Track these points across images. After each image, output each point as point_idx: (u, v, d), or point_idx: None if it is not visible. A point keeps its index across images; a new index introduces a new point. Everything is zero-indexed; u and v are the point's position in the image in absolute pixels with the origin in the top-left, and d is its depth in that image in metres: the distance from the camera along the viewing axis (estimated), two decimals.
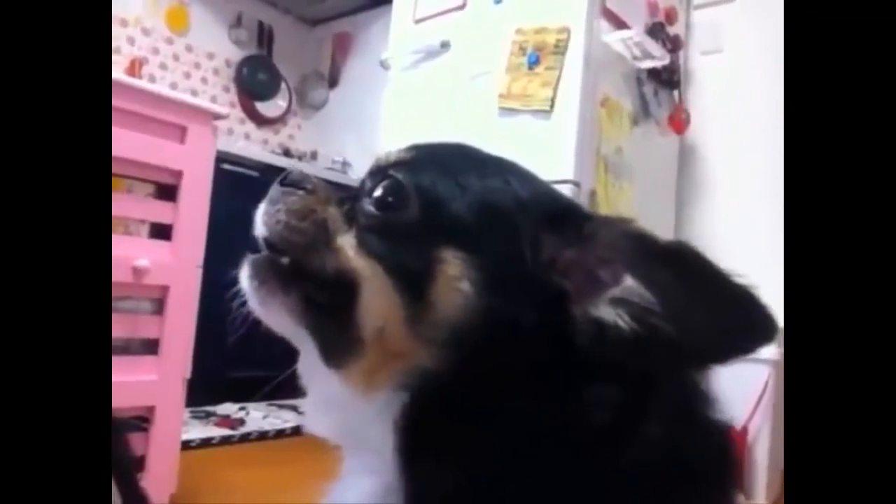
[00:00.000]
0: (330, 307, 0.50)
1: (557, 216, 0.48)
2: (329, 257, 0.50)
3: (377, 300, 0.47)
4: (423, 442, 0.44)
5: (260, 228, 0.54)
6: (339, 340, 0.49)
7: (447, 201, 0.49)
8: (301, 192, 0.55)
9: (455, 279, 0.45)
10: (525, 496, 0.42)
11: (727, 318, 0.41)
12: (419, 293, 0.46)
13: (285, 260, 0.53)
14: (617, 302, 0.42)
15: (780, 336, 0.41)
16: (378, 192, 0.51)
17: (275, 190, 0.55)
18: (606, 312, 0.42)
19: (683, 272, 0.41)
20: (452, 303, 0.45)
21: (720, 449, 0.47)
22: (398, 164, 0.52)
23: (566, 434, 0.42)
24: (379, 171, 0.53)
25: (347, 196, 0.55)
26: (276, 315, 0.52)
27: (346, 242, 0.51)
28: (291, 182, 0.55)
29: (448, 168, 0.51)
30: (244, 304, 0.54)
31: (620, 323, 0.41)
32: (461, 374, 0.44)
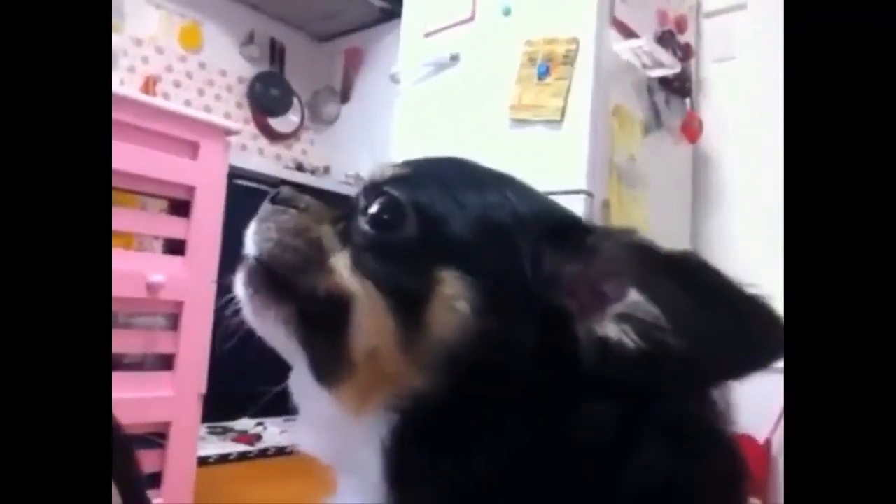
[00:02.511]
0: (323, 324, 0.48)
1: (558, 230, 0.47)
2: (322, 278, 0.49)
3: (370, 321, 0.46)
4: (411, 465, 0.43)
5: (250, 247, 0.53)
6: (330, 359, 0.48)
7: (445, 219, 0.47)
8: (293, 211, 0.53)
9: (452, 300, 0.44)
10: None
11: (739, 332, 0.39)
12: (414, 315, 0.45)
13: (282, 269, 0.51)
14: (622, 318, 0.41)
15: None
16: (373, 210, 0.49)
17: (265, 208, 0.54)
18: (611, 329, 0.41)
19: (690, 284, 0.40)
20: (449, 324, 0.44)
21: (725, 472, 0.45)
22: (394, 180, 0.51)
23: (564, 459, 0.41)
24: (374, 188, 0.51)
25: (342, 214, 0.53)
26: (269, 326, 0.51)
27: (341, 262, 0.49)
28: (282, 200, 0.54)
29: (445, 184, 0.50)
30: (237, 312, 0.53)
31: (626, 340, 0.40)
32: (455, 396, 0.43)
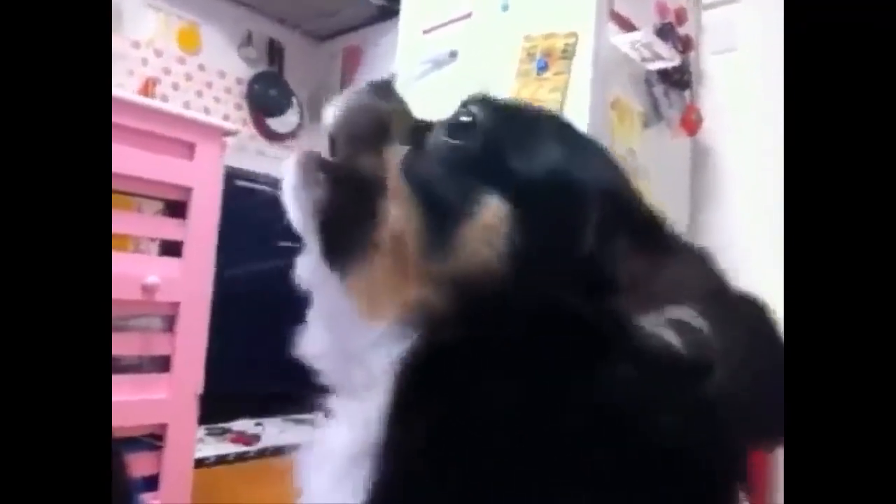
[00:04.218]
0: (352, 207, 0.48)
1: (638, 218, 0.45)
2: (367, 157, 0.50)
3: (398, 212, 0.46)
4: (419, 393, 0.41)
5: (329, 113, 0.54)
6: (350, 240, 0.47)
7: (515, 151, 0.46)
8: (381, 96, 0.55)
9: (489, 229, 0.42)
10: (519, 485, 0.39)
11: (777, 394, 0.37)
12: (446, 226, 0.43)
13: (334, 158, 0.53)
14: (672, 322, 0.39)
15: None
16: (448, 121, 0.50)
17: (360, 86, 0.56)
18: (654, 323, 0.39)
19: (752, 332, 0.38)
20: (477, 253, 0.42)
21: (730, 447, 0.42)
22: (485, 101, 0.51)
23: (584, 417, 0.39)
24: (463, 105, 0.51)
25: (426, 123, 0.54)
26: (302, 202, 0.51)
27: (395, 153, 0.50)
28: (376, 86, 0.56)
29: (533, 122, 0.49)
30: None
31: (672, 340, 0.38)
32: (472, 331, 0.41)
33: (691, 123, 2.22)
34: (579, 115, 1.82)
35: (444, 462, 0.40)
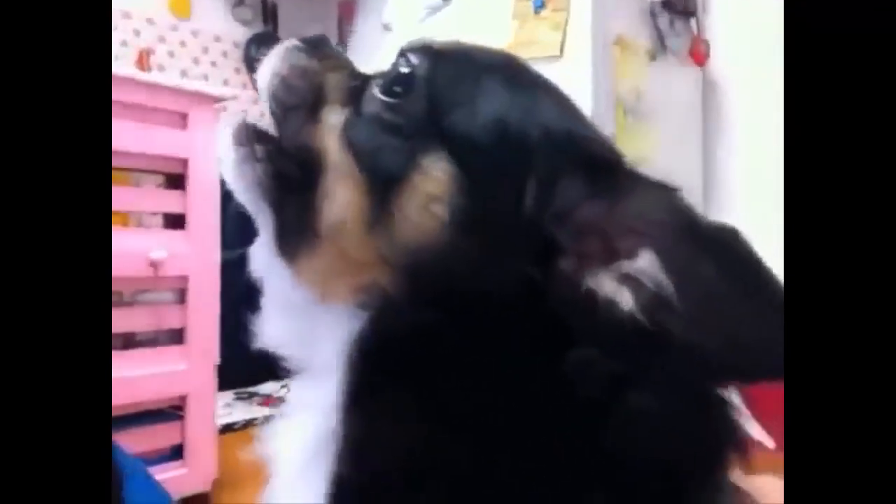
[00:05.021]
0: (296, 185, 0.45)
1: (588, 161, 0.39)
2: (305, 128, 0.45)
3: (341, 192, 0.42)
4: (375, 377, 0.39)
5: (261, 79, 0.50)
6: (296, 227, 0.44)
7: (456, 104, 0.42)
8: (313, 54, 0.50)
9: (429, 199, 0.39)
10: (487, 477, 0.37)
11: (769, 327, 0.32)
12: (388, 198, 0.40)
13: (269, 128, 0.49)
14: (626, 278, 0.34)
15: None
16: (386, 73, 0.45)
17: (288, 45, 0.50)
18: (607, 285, 0.35)
19: (729, 269, 0.33)
20: (418, 225, 0.39)
21: (719, 424, 0.38)
22: (424, 49, 0.45)
23: (545, 406, 0.36)
24: (401, 54, 0.46)
25: (365, 75, 0.49)
26: (244, 182, 0.47)
27: (332, 118, 0.45)
28: (309, 42, 0.50)
29: (480, 70, 0.44)
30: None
31: (621, 301, 0.34)
32: (423, 312, 0.38)
33: (699, 54, 2.15)
34: (581, 54, 1.76)
35: (402, 453, 0.38)
